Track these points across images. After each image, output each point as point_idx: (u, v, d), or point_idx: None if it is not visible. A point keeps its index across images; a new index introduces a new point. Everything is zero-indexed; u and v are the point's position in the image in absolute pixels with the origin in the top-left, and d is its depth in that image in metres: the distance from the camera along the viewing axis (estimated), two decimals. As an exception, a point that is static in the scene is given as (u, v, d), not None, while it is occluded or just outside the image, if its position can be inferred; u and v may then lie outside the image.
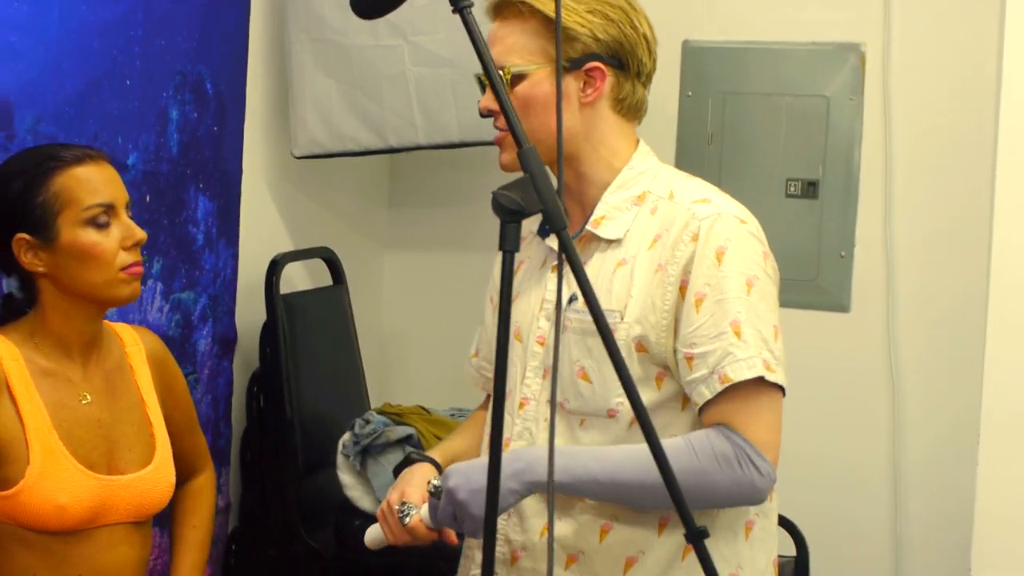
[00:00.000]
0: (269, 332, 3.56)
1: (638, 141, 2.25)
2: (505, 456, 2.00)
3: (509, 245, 1.64)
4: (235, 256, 3.49)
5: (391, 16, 1.89)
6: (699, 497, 2.04)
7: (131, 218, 2.36)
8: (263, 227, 3.73)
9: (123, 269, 2.31)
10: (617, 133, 2.21)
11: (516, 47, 2.15)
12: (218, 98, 3.36)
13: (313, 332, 3.74)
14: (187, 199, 3.26)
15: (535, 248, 2.31)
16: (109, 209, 2.31)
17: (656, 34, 2.24)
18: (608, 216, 2.18)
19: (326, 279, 3.91)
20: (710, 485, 2.05)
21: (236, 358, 3.54)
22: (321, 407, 3.66)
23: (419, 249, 4.47)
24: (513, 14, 2.16)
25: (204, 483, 2.65)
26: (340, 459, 3.40)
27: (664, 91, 4.02)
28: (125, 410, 2.41)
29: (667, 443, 2.04)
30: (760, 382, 2.05)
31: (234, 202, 3.48)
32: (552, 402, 1.74)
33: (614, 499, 2.12)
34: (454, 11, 1.74)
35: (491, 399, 2.32)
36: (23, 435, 2.23)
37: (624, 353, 2.06)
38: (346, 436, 3.39)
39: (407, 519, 2.16)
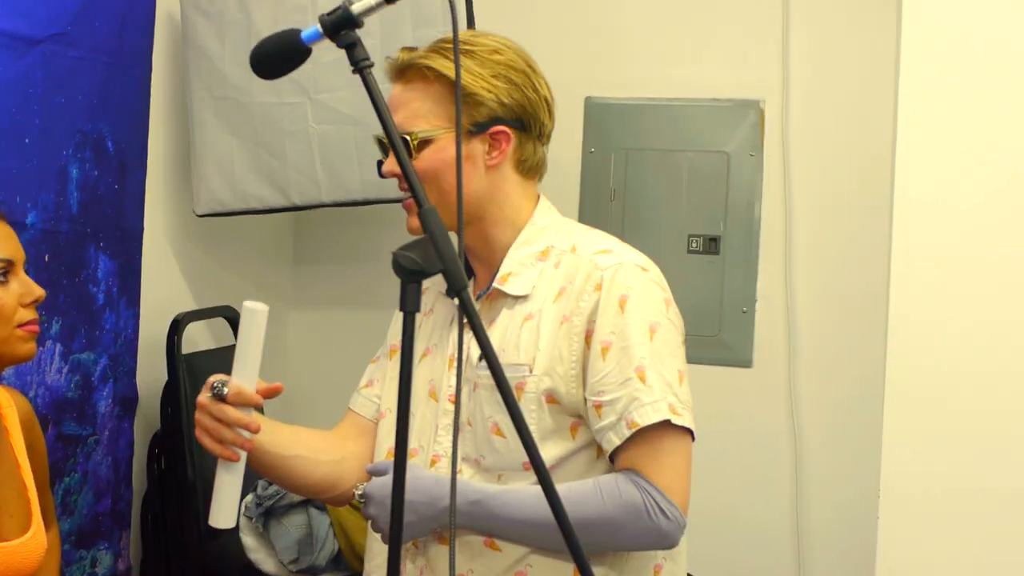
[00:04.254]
0: (170, 393, 3.52)
1: (539, 197, 2.29)
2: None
3: (410, 305, 1.65)
4: (136, 315, 3.45)
5: (294, 74, 1.89)
6: (608, 543, 2.09)
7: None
8: (165, 286, 3.70)
9: (21, 326, 2.29)
10: (520, 192, 2.25)
11: (421, 112, 2.17)
12: (119, 156, 3.33)
13: (216, 392, 3.69)
14: (87, 258, 3.22)
15: (443, 305, 2.32)
16: (8, 265, 2.29)
17: (559, 91, 2.29)
18: (514, 272, 2.21)
19: (229, 338, 3.87)
20: (618, 532, 2.07)
21: (137, 419, 3.50)
22: (224, 468, 3.62)
23: (323, 306, 4.45)
24: (417, 77, 2.18)
25: (51, 540, 2.61)
26: (243, 521, 3.37)
27: (567, 147, 4.05)
28: (5, 475, 2.37)
29: (577, 486, 2.07)
30: (666, 426, 2.07)
31: (135, 261, 3.45)
32: (453, 454, 1.74)
33: (522, 538, 2.12)
34: (354, 71, 1.74)
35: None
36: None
37: (535, 406, 2.11)
38: (248, 498, 3.35)
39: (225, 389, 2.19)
